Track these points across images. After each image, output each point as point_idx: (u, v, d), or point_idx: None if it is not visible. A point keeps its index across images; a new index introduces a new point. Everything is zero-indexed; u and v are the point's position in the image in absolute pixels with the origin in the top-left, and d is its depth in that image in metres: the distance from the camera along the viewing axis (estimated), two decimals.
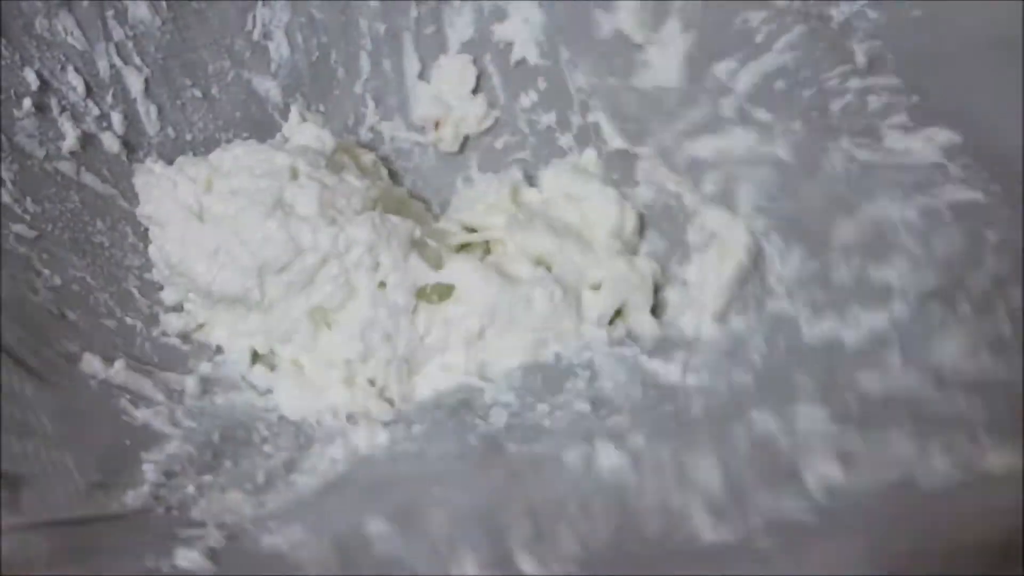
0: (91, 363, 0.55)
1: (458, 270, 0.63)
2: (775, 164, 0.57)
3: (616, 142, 0.67)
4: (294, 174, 0.63)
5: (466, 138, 0.75)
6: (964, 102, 0.49)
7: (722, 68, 0.59)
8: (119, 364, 0.56)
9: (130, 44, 0.67)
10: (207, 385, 0.60)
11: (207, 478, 0.52)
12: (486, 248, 0.69)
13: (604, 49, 0.66)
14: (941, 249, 0.47)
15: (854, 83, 0.53)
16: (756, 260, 0.58)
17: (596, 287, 0.64)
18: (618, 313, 0.64)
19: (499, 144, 0.74)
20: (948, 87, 0.50)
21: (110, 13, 0.66)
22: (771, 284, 0.57)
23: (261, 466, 0.55)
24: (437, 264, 0.63)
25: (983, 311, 0.45)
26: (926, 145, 0.49)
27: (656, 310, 0.64)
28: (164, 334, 0.62)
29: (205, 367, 0.61)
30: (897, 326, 0.49)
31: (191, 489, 0.51)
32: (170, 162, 0.67)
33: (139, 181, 0.66)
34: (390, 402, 0.61)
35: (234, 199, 0.62)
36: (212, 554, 0.46)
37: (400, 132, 0.76)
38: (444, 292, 0.64)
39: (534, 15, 0.69)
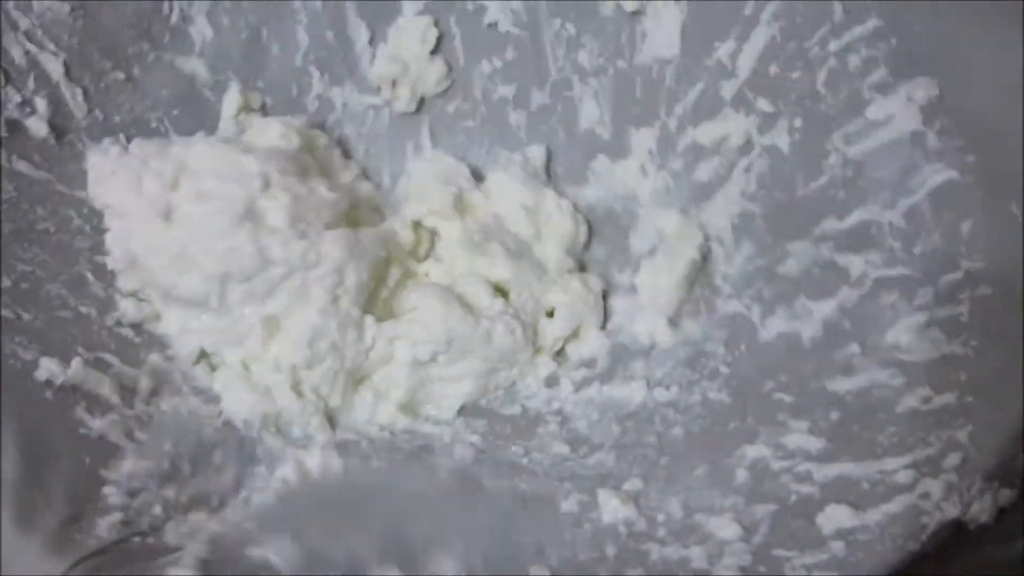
0: (48, 367, 0.51)
1: (421, 295, 0.61)
2: (772, 154, 0.57)
3: (589, 123, 0.67)
4: (266, 183, 0.60)
5: (422, 99, 0.72)
6: (943, 39, 0.49)
7: (723, 50, 0.59)
8: (76, 363, 0.53)
9: (39, 32, 0.62)
10: (157, 383, 0.57)
11: (169, 492, 0.50)
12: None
13: (610, 28, 0.65)
14: (920, 250, 0.48)
15: (833, 45, 0.53)
16: (705, 259, 0.59)
17: (550, 313, 0.63)
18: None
19: (451, 108, 0.72)
20: (928, 21, 0.50)
21: (11, 4, 0.61)
22: (718, 283, 0.58)
23: (213, 478, 0.53)
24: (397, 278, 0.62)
25: (946, 300, 0.46)
26: (906, 108, 0.50)
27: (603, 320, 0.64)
28: (119, 323, 0.59)
29: (155, 359, 0.58)
30: (847, 312, 0.50)
31: (158, 510, 0.49)
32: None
33: (93, 161, 0.62)
34: (331, 423, 0.60)
35: (202, 202, 0.58)
36: (202, 565, 0.45)
37: (352, 96, 0.72)
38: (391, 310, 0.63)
39: None
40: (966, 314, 0.45)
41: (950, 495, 0.40)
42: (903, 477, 0.42)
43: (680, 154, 0.63)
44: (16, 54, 0.60)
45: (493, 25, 0.69)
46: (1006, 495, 0.39)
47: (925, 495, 0.40)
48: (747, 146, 0.59)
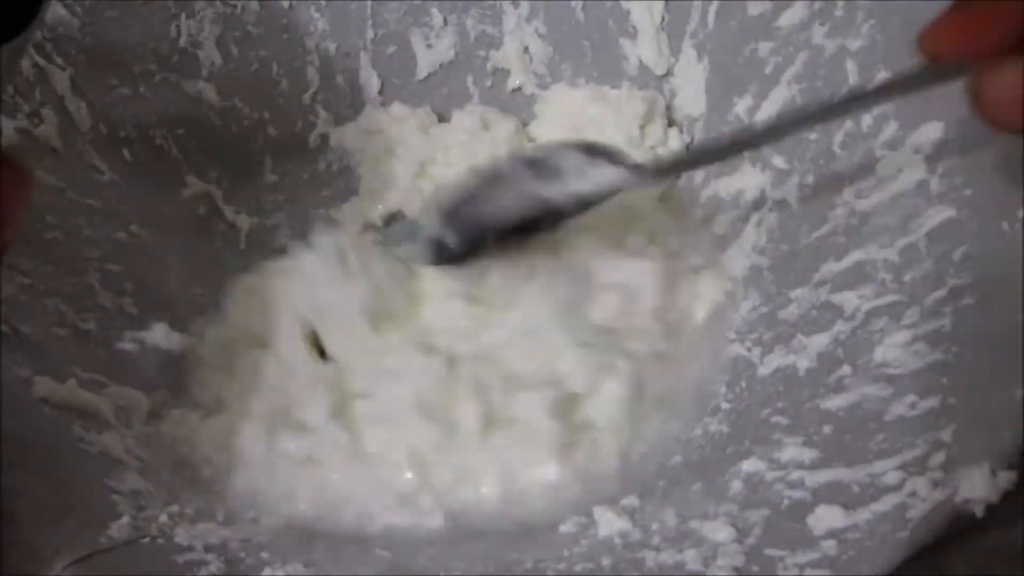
0: (44, 385, 0.52)
1: None
2: (782, 208, 0.59)
3: None
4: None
5: None
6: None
7: (741, 105, 0.61)
8: (71, 384, 0.53)
9: (49, 45, 0.63)
10: (156, 407, 0.57)
11: (174, 508, 0.51)
12: None
13: (635, 86, 0.68)
14: (910, 277, 0.49)
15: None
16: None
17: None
18: None
19: None
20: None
21: None
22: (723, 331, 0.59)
23: (217, 498, 0.54)
24: None
25: (930, 316, 0.47)
26: (912, 158, 0.51)
27: None
28: (121, 339, 0.59)
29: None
30: (841, 343, 0.51)
31: (165, 518, 0.49)
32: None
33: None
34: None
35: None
36: None
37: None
38: None
39: (536, 45, 0.70)
40: (948, 325, 0.46)
41: (936, 488, 0.40)
42: (891, 478, 0.42)
43: (702, 204, 0.65)
44: (25, 65, 0.61)
45: (517, 89, 0.72)
46: (1005, 478, 0.39)
47: (912, 493, 0.41)
48: (760, 200, 0.61)
